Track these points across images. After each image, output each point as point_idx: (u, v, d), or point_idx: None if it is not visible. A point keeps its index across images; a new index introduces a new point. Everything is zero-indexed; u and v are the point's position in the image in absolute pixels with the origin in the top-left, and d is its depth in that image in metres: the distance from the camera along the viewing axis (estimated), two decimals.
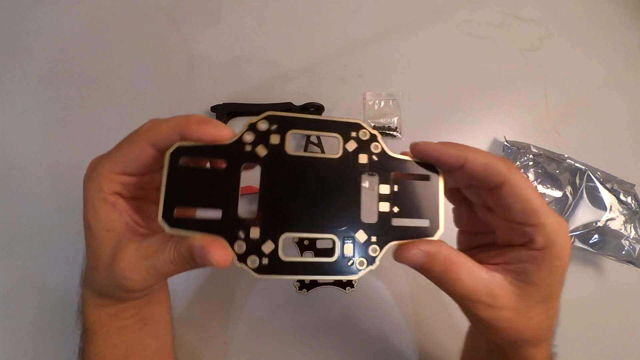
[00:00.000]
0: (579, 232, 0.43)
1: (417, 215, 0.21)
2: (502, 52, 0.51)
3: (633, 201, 0.44)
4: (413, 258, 0.20)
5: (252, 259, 0.19)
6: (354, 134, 0.20)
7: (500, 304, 0.20)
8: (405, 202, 0.21)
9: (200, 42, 0.49)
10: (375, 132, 0.21)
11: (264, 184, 0.20)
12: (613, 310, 0.43)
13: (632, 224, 0.43)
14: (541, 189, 0.44)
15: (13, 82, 0.46)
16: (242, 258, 0.19)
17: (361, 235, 0.20)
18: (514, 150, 0.46)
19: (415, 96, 0.48)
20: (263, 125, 0.20)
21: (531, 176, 0.45)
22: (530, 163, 0.45)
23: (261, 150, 0.20)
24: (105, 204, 0.21)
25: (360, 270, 0.19)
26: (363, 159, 0.20)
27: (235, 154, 0.19)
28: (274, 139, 0.20)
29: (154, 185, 0.24)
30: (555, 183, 0.45)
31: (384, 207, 0.20)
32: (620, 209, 0.44)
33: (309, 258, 0.20)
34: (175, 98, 0.47)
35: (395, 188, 0.21)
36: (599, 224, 0.43)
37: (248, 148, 0.19)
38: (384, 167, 0.21)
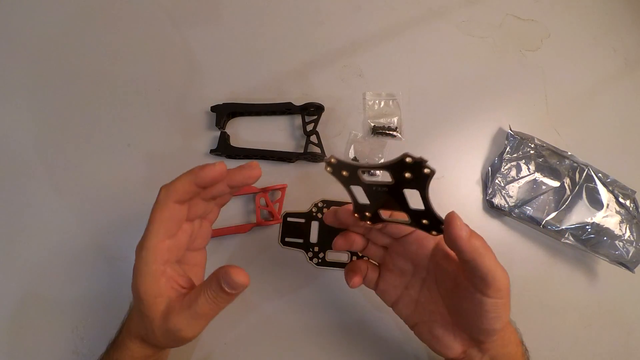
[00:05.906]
0: (573, 226, 0.43)
1: None
2: (502, 52, 0.51)
3: (632, 205, 0.44)
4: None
5: (315, 260, 0.41)
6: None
7: None
8: None
9: (200, 42, 0.49)
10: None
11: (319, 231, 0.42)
12: (603, 313, 0.44)
13: (627, 225, 0.43)
14: (540, 177, 0.45)
15: (11, 83, 0.46)
16: (310, 259, 0.41)
17: None
18: (517, 140, 0.46)
19: (415, 96, 0.48)
20: (320, 205, 0.42)
21: (532, 167, 0.45)
22: (532, 152, 0.45)
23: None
24: (154, 275, 0.25)
25: None
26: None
27: (309, 217, 0.42)
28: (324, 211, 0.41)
29: (184, 247, 0.28)
30: (555, 173, 0.45)
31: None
32: (617, 208, 0.44)
33: None
34: (175, 98, 0.47)
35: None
36: (594, 220, 0.43)
37: (314, 214, 0.42)
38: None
